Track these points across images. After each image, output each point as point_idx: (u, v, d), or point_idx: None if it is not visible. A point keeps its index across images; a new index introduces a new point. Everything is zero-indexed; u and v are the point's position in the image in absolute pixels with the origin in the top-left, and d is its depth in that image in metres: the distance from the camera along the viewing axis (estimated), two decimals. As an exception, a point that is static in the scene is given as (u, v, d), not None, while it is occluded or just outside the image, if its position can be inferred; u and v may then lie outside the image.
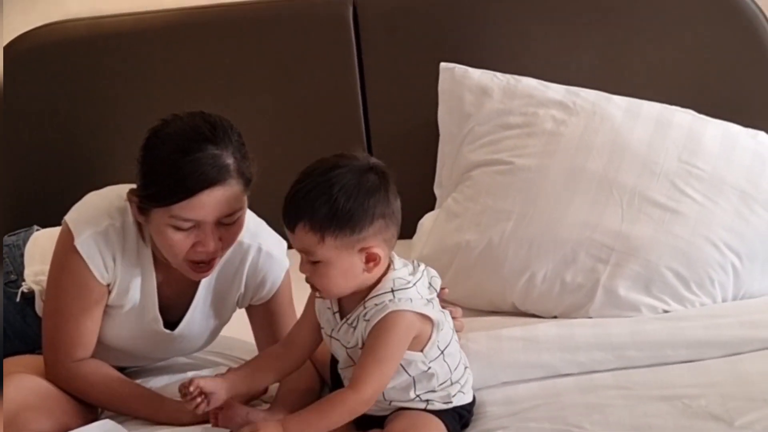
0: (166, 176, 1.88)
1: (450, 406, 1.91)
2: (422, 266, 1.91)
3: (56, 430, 1.97)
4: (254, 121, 2.74)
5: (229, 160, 1.90)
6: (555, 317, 2.30)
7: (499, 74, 2.58)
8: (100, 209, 2.04)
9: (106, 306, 2.06)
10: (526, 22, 2.79)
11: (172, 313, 2.11)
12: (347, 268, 1.80)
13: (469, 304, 2.32)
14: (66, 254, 2.02)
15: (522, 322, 2.26)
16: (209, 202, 1.88)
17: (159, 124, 1.96)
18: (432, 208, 2.62)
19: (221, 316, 2.17)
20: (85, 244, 1.99)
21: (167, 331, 2.10)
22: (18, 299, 2.17)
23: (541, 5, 2.80)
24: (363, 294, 1.84)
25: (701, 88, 2.73)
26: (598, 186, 2.31)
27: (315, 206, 1.76)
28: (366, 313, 1.82)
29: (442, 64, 2.65)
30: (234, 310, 2.18)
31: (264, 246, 2.10)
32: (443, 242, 2.40)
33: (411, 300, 1.81)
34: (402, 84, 2.84)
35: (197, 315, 2.12)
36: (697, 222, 2.29)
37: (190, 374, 2.17)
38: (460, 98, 2.58)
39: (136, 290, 2.06)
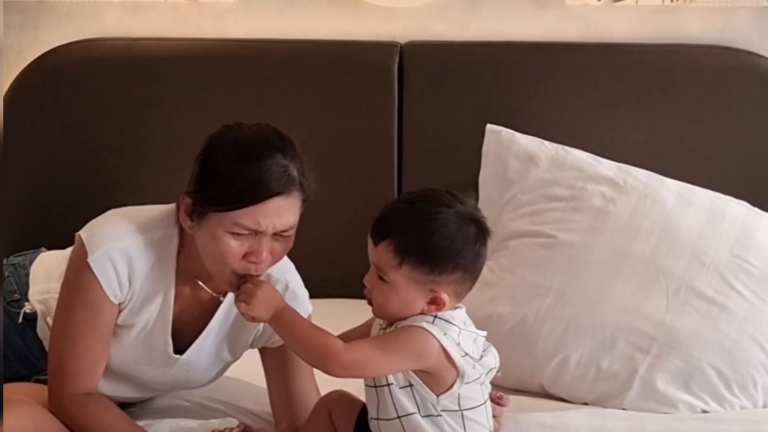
0: (231, 181, 1.83)
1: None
2: (483, 333, 1.87)
3: None
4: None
5: (295, 172, 1.86)
6: (586, 404, 2.18)
7: (547, 143, 2.49)
8: (118, 226, 1.96)
9: (118, 326, 1.97)
10: (576, 94, 2.72)
11: (183, 340, 2.01)
12: (409, 301, 1.79)
13: (493, 380, 2.19)
14: (78, 271, 1.93)
15: (551, 406, 2.16)
16: (272, 212, 1.84)
17: (222, 129, 1.91)
18: None
19: (233, 351, 2.07)
20: (98, 261, 1.91)
21: (175, 355, 2.01)
22: (20, 320, 2.08)
23: (591, 78, 2.73)
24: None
25: (754, 179, 2.65)
26: (643, 271, 2.21)
27: (408, 231, 1.77)
28: (397, 325, 1.81)
29: (489, 126, 2.56)
30: (246, 348, 2.08)
31: (291, 284, 2.03)
32: (474, 312, 2.24)
33: (445, 334, 1.78)
34: (440, 139, 2.76)
35: (208, 343, 2.02)
36: (744, 320, 2.19)
37: (193, 423, 2.07)
38: (504, 163, 2.49)
39: (150, 310, 1.96)
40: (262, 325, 2.02)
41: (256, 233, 1.84)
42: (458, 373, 1.79)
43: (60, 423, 1.96)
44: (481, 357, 1.85)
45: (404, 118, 2.76)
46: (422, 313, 1.80)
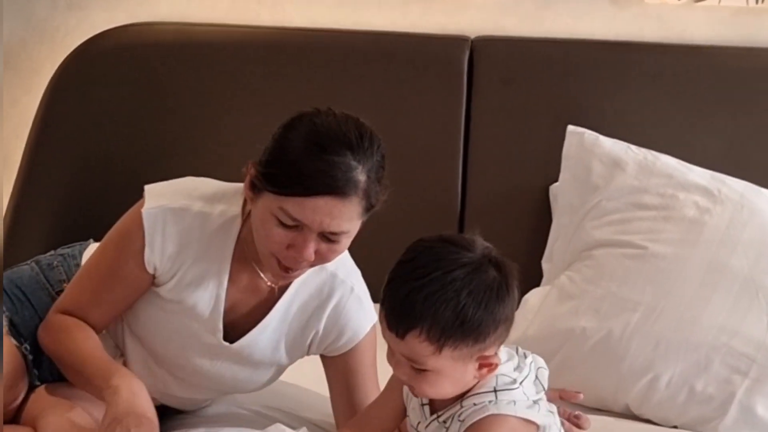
0: (292, 164, 1.70)
1: None
2: (529, 357, 1.67)
3: None
4: None
5: (362, 177, 1.72)
6: (675, 427, 2.04)
7: (634, 147, 2.35)
8: (183, 189, 1.87)
9: (163, 299, 1.85)
10: (653, 97, 2.57)
11: (235, 332, 1.88)
12: (459, 377, 1.58)
13: (573, 399, 2.04)
14: (130, 217, 1.85)
15: (637, 428, 2.03)
16: (323, 210, 1.70)
17: (311, 110, 1.76)
18: (535, 283, 2.38)
19: (290, 353, 1.92)
20: (151, 213, 1.82)
21: (225, 343, 1.87)
22: None
23: (670, 81, 2.58)
24: (453, 398, 1.62)
25: None
26: (741, 287, 2.07)
27: (438, 313, 1.53)
28: (462, 413, 1.60)
29: (570, 128, 2.42)
30: (303, 353, 1.94)
31: (356, 288, 1.90)
32: (553, 325, 2.15)
33: (514, 402, 1.59)
34: (509, 140, 2.61)
35: (264, 339, 1.88)
36: None
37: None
38: (587, 167, 2.34)
39: (201, 290, 1.84)
40: (322, 324, 1.88)
41: (302, 227, 1.71)
42: (538, 429, 1.62)
43: None
44: (536, 378, 1.67)
45: (472, 117, 2.61)
46: (475, 378, 1.59)
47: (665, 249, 2.13)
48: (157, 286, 1.86)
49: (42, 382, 1.97)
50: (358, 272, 1.94)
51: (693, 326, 2.06)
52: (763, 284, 2.07)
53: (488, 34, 2.67)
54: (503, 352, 1.64)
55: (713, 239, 2.11)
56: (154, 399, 1.86)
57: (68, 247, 2.11)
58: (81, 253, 2.06)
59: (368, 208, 1.75)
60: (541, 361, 1.69)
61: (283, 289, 1.88)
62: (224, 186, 1.90)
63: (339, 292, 1.88)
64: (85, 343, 1.85)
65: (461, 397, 1.61)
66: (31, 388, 1.95)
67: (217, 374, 1.92)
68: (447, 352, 1.54)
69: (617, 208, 2.23)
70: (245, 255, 1.85)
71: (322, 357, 1.95)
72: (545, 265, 2.39)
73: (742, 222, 2.13)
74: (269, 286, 1.87)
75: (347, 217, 1.72)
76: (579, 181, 2.35)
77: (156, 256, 1.82)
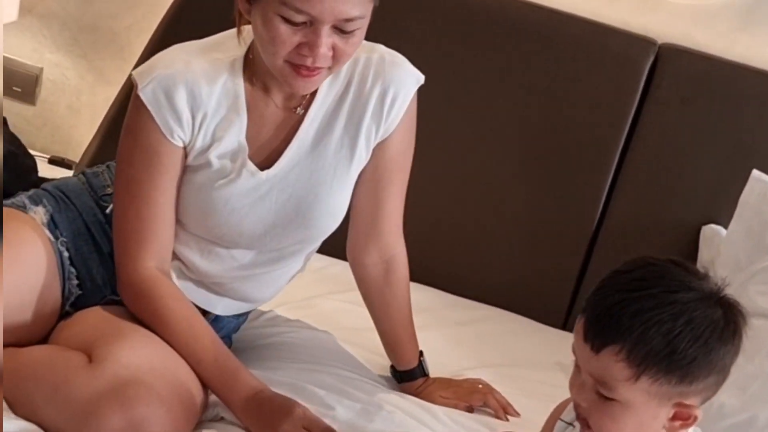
0: None
1: None
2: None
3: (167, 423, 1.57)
4: (498, 120, 2.38)
5: None
6: None
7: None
8: (171, 53, 1.73)
9: (194, 169, 1.73)
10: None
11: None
12: (646, 421, 1.36)
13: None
14: (131, 112, 1.71)
15: None
16: None
17: None
18: None
19: (346, 169, 1.77)
20: (149, 91, 1.68)
21: (259, 171, 1.73)
22: (108, 210, 1.81)
23: None
24: None
25: None
26: None
27: (647, 334, 1.32)
28: None
29: (755, 173, 2.14)
30: (360, 166, 1.79)
31: (388, 55, 1.77)
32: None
33: None
34: (674, 166, 2.35)
35: (302, 152, 1.75)
36: None
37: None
38: (765, 223, 2.05)
39: (226, 140, 1.71)
40: (368, 112, 1.75)
41: (311, 22, 1.58)
42: None
43: (185, 369, 1.66)
44: None
45: (637, 129, 2.34)
46: (664, 429, 1.38)
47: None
48: (186, 156, 1.73)
49: (80, 283, 1.80)
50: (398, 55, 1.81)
51: None
52: None
53: (676, 42, 2.38)
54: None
55: None
56: (228, 291, 1.81)
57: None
58: None
59: None
60: None
61: (305, 108, 1.75)
62: (211, 38, 1.77)
63: (372, 67, 1.75)
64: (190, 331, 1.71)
65: None
66: (68, 294, 1.79)
67: (267, 212, 1.76)
68: (644, 382, 1.33)
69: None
70: (257, 85, 1.73)
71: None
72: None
73: None
74: (293, 110, 1.75)
75: (357, 2, 1.59)
76: (752, 236, 2.07)
77: (174, 127, 1.69)
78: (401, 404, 1.84)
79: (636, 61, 2.33)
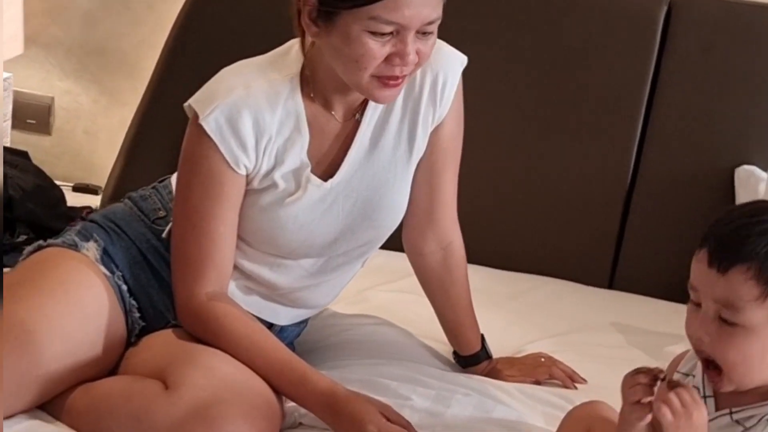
0: None
1: None
2: None
3: None
4: (518, 91, 2.39)
5: None
6: None
7: None
8: (227, 80, 1.73)
9: (251, 194, 1.74)
10: None
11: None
12: None
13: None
14: (192, 140, 1.71)
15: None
16: (416, 2, 1.60)
17: None
18: None
19: (405, 162, 1.80)
20: (212, 121, 1.68)
21: (319, 180, 1.74)
22: (165, 234, 1.81)
23: None
24: (758, 394, 1.40)
25: None
26: None
27: None
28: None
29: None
30: (419, 156, 1.81)
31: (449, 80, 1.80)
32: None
33: None
34: (699, 113, 2.34)
35: (356, 163, 1.77)
36: None
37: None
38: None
39: (289, 159, 1.73)
40: (422, 101, 1.77)
41: (398, 31, 1.60)
42: None
43: (259, 382, 1.67)
44: None
45: (659, 83, 2.35)
46: None
47: None
48: (249, 182, 1.74)
49: (142, 314, 1.81)
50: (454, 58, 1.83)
51: None
52: None
53: (689, -8, 2.39)
54: None
55: None
56: (294, 300, 1.84)
57: (158, 182, 1.94)
58: (171, 182, 1.89)
59: None
60: None
61: (361, 114, 1.77)
62: (263, 58, 1.78)
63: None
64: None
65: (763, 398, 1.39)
66: (132, 326, 1.80)
67: (333, 221, 1.79)
68: None
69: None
70: (316, 100, 1.75)
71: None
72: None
73: None
74: (347, 121, 1.77)
75: (437, 2, 1.63)
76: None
77: (239, 155, 1.69)
78: (474, 386, 1.85)
79: (649, 15, 2.33)
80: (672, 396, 1.35)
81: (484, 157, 2.31)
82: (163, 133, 2.46)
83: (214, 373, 1.65)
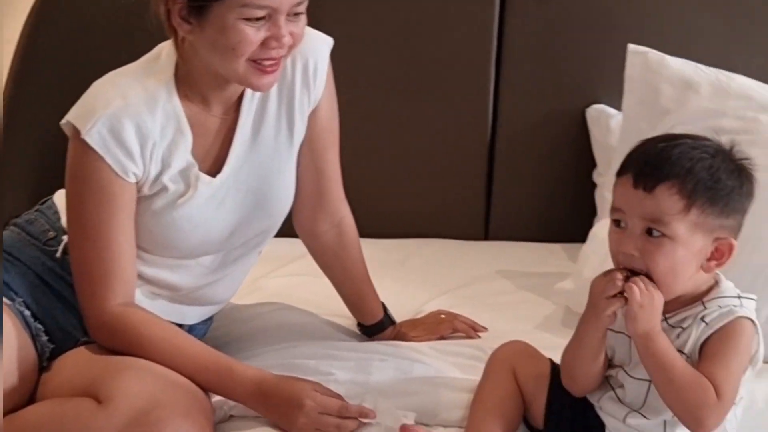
0: None
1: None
2: None
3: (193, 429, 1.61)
4: (366, 72, 2.45)
5: None
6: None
7: (703, 67, 2.21)
8: (102, 92, 1.74)
9: (143, 201, 1.75)
10: (695, 10, 2.44)
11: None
12: (694, 254, 1.53)
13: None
14: (76, 157, 1.71)
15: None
16: None
17: None
18: (587, 210, 2.35)
19: (288, 147, 1.84)
20: (95, 134, 1.69)
21: (207, 176, 1.77)
22: (59, 254, 1.81)
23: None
24: (685, 300, 1.57)
25: None
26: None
27: (694, 168, 1.52)
28: (706, 315, 1.55)
29: (631, 47, 2.26)
30: (300, 140, 1.86)
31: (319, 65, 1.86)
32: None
33: (753, 313, 1.57)
34: (544, 62, 2.46)
35: (243, 151, 1.80)
36: None
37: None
38: (655, 90, 2.19)
39: (174, 160, 1.75)
40: (296, 85, 1.81)
41: (270, 15, 1.66)
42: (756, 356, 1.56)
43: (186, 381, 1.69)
44: None
45: (504, 38, 2.45)
46: (700, 270, 1.55)
47: (756, 175, 2.01)
48: (140, 189, 1.76)
49: (50, 336, 1.80)
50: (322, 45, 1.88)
51: (795, 256, 1.96)
52: None
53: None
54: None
55: (805, 164, 2.00)
56: (198, 298, 1.87)
57: (40, 204, 1.94)
58: (54, 202, 1.90)
59: None
60: None
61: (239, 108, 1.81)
62: (135, 65, 1.80)
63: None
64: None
65: (696, 301, 1.57)
66: (41, 350, 1.79)
67: (227, 217, 1.82)
68: (693, 214, 1.51)
69: (693, 132, 2.10)
70: (194, 100, 1.77)
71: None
72: (609, 194, 2.24)
73: (833, 145, 2.02)
74: (231, 112, 1.80)
75: None
76: (646, 104, 2.20)
77: (126, 164, 1.71)
78: (388, 351, 1.92)
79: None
80: (638, 280, 1.50)
81: (355, 133, 2.36)
82: (22, 156, 2.43)
83: (145, 378, 1.66)
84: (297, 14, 1.69)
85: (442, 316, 2.10)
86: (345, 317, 2.09)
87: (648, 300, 1.49)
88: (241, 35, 1.65)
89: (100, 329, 1.75)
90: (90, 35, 2.45)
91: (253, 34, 1.66)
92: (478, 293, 2.26)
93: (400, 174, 2.51)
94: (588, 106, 2.46)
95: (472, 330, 2.06)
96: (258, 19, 1.65)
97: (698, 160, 1.52)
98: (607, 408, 1.61)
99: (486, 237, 2.55)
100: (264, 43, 1.67)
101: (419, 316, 2.12)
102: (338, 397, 1.70)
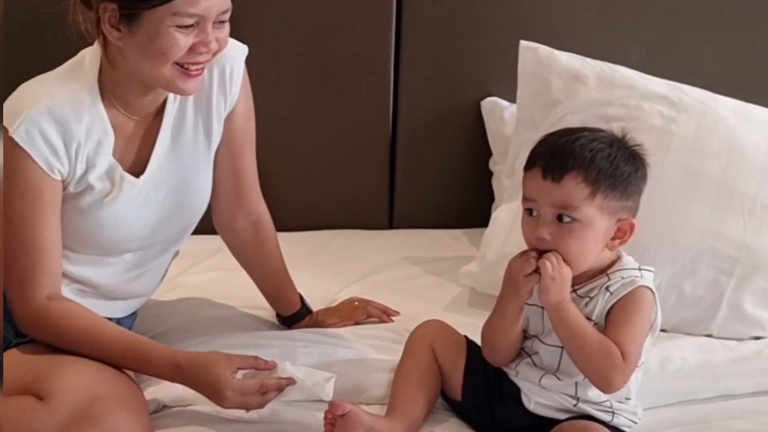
0: None
1: (629, 431, 1.74)
2: None
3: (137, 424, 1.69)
4: (276, 73, 2.54)
5: None
6: (664, 331, 2.11)
7: (589, 60, 2.36)
8: (30, 91, 1.81)
9: (69, 199, 1.82)
10: (581, 8, 2.62)
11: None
12: (601, 235, 1.70)
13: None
14: (5, 155, 1.75)
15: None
16: None
17: None
18: (485, 196, 2.48)
19: (206, 149, 1.94)
20: (22, 131, 1.76)
21: (131, 177, 1.86)
22: None
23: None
24: (591, 273, 1.74)
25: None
26: (717, 192, 2.13)
27: (595, 158, 1.69)
28: (610, 285, 1.72)
29: (523, 43, 2.40)
30: (217, 141, 1.95)
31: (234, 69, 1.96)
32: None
33: (652, 283, 1.75)
34: (441, 57, 2.59)
35: (163, 153, 1.89)
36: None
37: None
38: (546, 82, 2.34)
39: (98, 162, 1.83)
40: (213, 92, 1.91)
41: (198, 22, 1.75)
42: (655, 325, 1.74)
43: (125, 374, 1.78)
44: None
45: (402, 36, 2.57)
46: (606, 248, 1.72)
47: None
48: (65, 187, 1.82)
49: None
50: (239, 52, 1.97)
51: (677, 233, 2.11)
52: (737, 188, 2.13)
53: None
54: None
55: (684, 147, 2.16)
56: (124, 293, 1.94)
57: None
58: None
59: None
60: None
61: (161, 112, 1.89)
62: (60, 70, 1.86)
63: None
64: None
65: (601, 273, 1.73)
66: None
67: (151, 216, 1.90)
68: (598, 199, 1.68)
69: (583, 121, 2.23)
70: (117, 106, 1.84)
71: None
72: (506, 181, 2.40)
73: (708, 129, 2.19)
74: (154, 118, 1.88)
75: None
76: (538, 96, 2.35)
77: (52, 162, 1.78)
78: (309, 337, 2.03)
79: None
80: (551, 256, 1.66)
81: (268, 133, 2.47)
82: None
83: (83, 373, 1.74)
84: (222, 22, 1.79)
85: (356, 303, 2.21)
86: (264, 309, 2.19)
87: (558, 274, 1.65)
88: (172, 41, 1.74)
89: (28, 321, 1.81)
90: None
91: (183, 40, 1.74)
92: (387, 279, 2.38)
93: (307, 169, 2.62)
94: (483, 98, 2.61)
95: (384, 314, 2.19)
96: (188, 26, 1.74)
97: (598, 151, 1.69)
98: (523, 373, 1.76)
99: (391, 226, 2.68)
100: (192, 49, 1.76)
101: (334, 304, 2.24)
102: (253, 361, 1.78)
